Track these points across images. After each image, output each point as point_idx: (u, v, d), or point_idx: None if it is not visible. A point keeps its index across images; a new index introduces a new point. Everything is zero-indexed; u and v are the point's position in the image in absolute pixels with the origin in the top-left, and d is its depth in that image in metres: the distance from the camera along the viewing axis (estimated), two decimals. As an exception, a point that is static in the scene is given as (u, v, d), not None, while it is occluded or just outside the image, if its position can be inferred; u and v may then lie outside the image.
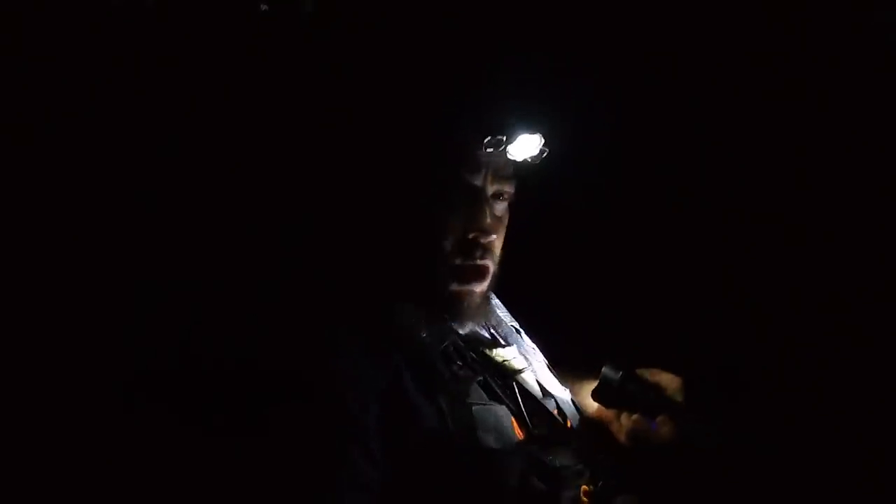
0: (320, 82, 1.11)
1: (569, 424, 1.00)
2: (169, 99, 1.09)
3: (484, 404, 0.90)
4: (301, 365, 0.87)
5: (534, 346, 1.13)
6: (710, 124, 1.27)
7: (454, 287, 0.96)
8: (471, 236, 0.95)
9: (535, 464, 0.87)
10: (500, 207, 0.99)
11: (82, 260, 1.08)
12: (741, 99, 1.25)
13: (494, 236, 0.97)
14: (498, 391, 0.93)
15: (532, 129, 0.95)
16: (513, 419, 0.92)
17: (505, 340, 1.06)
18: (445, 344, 0.94)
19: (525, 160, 0.96)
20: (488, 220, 0.95)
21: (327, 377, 0.85)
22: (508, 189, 0.99)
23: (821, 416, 1.09)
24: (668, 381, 0.98)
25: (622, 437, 0.98)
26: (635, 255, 1.31)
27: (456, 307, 0.97)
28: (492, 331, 1.06)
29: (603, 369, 1.01)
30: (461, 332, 0.99)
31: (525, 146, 0.95)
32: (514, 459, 0.86)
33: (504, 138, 0.93)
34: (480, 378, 0.93)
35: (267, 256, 1.10)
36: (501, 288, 1.06)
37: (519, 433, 0.91)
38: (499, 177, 0.97)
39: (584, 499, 0.88)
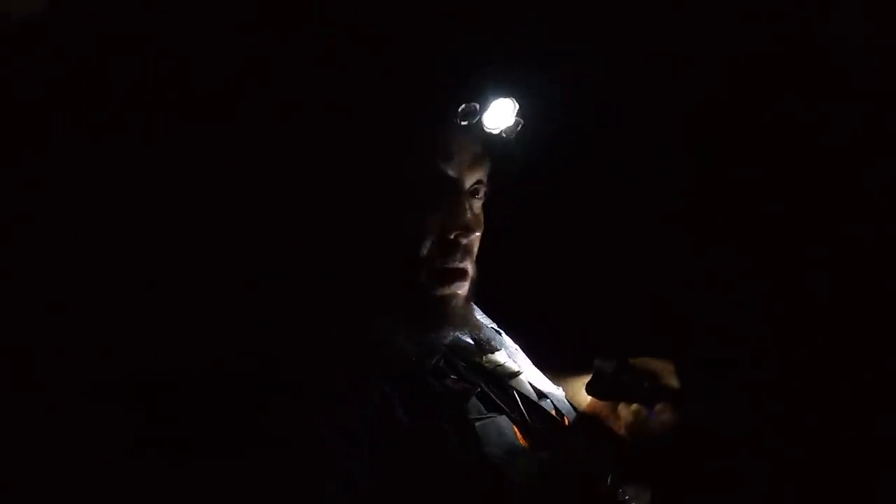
0: (280, 71, 1.03)
1: (566, 422, 0.98)
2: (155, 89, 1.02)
3: (485, 417, 0.86)
4: (283, 398, 0.79)
5: (516, 345, 1.10)
6: (702, 106, 1.24)
7: (437, 291, 0.91)
8: (452, 236, 0.90)
9: (549, 470, 0.84)
10: (477, 205, 0.94)
11: (82, 257, 1.01)
12: (740, 80, 1.24)
13: (476, 234, 0.92)
14: (496, 400, 0.90)
15: (505, 93, 0.90)
16: (514, 427, 0.88)
17: (489, 344, 1.02)
18: (436, 359, 0.89)
19: (500, 134, 0.92)
20: (469, 215, 0.90)
21: (308, 420, 0.77)
22: (483, 179, 0.94)
23: (814, 391, 1.11)
24: (661, 367, 0.97)
25: (621, 429, 0.97)
26: (609, 247, 1.30)
27: (440, 312, 0.92)
28: (475, 336, 1.02)
29: (595, 362, 0.99)
30: (445, 342, 0.94)
31: (499, 114, 0.91)
32: (526, 471, 0.83)
33: (478, 106, 0.88)
34: (478, 390, 0.89)
35: (240, 274, 1.03)
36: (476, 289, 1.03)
37: (522, 440, 0.88)
38: (474, 166, 0.92)
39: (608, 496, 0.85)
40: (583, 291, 1.31)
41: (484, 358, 0.97)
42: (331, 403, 0.79)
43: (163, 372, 0.96)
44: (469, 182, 0.92)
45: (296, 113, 0.96)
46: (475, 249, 0.95)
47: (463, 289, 0.94)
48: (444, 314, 0.92)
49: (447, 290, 0.92)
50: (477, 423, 0.84)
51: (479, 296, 1.08)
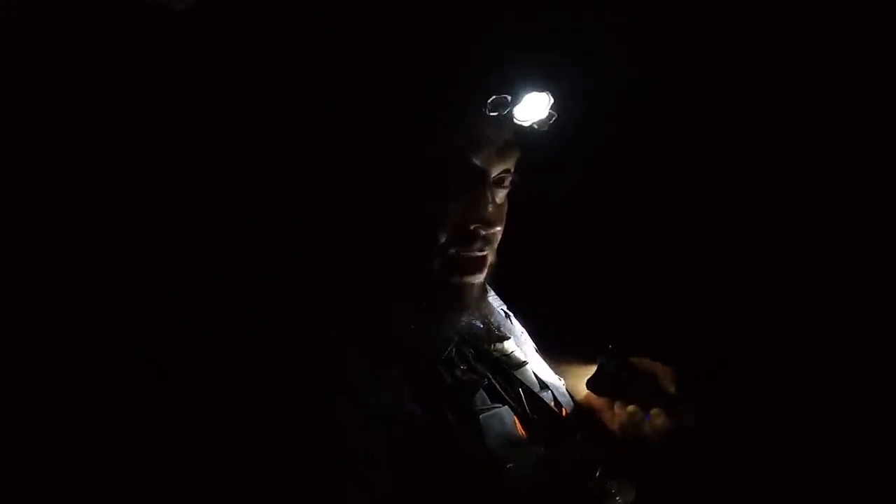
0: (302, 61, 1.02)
1: (564, 413, 1.02)
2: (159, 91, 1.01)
3: (489, 409, 0.88)
4: (297, 389, 0.80)
5: (523, 329, 1.13)
6: (727, 108, 1.23)
7: (452, 280, 0.91)
8: (472, 227, 0.88)
9: (546, 462, 0.87)
10: (501, 195, 0.93)
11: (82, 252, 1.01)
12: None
13: (497, 228, 0.91)
14: (501, 392, 0.92)
15: (540, 86, 0.87)
16: (515, 418, 0.91)
17: (498, 331, 1.04)
18: (448, 349, 0.91)
19: (532, 126, 0.89)
20: (491, 208, 0.88)
21: (327, 405, 0.79)
22: (510, 169, 0.92)
23: (809, 408, 1.14)
24: (661, 371, 1.00)
25: (615, 427, 1.01)
26: (623, 241, 1.31)
27: (455, 302, 0.92)
28: (486, 322, 1.03)
29: (599, 359, 1.03)
30: (457, 328, 0.95)
31: (532, 107, 0.88)
32: (524, 463, 0.85)
33: (509, 98, 0.85)
34: (485, 381, 0.91)
35: (254, 262, 1.04)
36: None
37: (521, 431, 0.91)
38: (502, 156, 0.90)
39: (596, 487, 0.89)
40: (595, 284, 1.33)
41: (493, 346, 1.00)
42: (351, 401, 0.80)
43: (184, 364, 0.96)
44: (495, 171, 0.90)
45: (325, 97, 0.94)
46: (496, 239, 0.94)
47: (479, 278, 0.93)
48: (459, 304, 0.92)
49: (463, 280, 0.91)
50: (481, 415, 0.87)
51: (493, 276, 1.10)
